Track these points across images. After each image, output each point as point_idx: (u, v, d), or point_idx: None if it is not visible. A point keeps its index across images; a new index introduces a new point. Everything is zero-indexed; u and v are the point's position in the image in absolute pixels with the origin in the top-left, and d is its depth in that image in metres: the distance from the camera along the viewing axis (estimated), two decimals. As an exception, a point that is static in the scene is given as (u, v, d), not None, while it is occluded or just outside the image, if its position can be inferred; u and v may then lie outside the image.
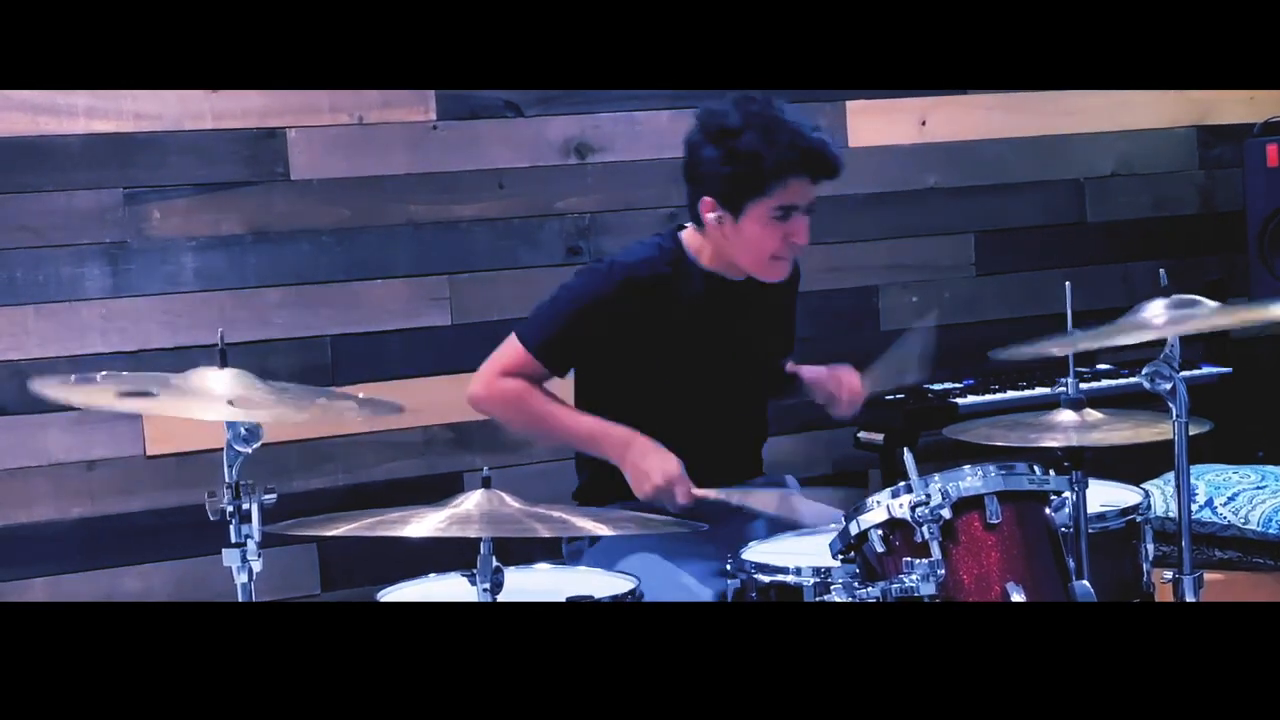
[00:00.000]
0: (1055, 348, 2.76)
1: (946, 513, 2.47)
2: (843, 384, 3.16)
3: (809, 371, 3.22)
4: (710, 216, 2.97)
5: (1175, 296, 2.55)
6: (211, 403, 2.37)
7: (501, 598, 2.27)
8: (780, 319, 3.23)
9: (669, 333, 3.01)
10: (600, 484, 3.06)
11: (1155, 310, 2.61)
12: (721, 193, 2.94)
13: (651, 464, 2.90)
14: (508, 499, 2.32)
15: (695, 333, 3.03)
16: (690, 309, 3.02)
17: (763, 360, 3.18)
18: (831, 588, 2.54)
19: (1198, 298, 2.60)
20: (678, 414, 3.01)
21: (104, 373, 2.48)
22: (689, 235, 3.05)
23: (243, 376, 2.43)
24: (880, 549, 2.51)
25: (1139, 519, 2.92)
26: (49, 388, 2.39)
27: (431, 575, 2.70)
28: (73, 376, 2.48)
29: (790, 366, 3.27)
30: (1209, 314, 2.59)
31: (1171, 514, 3.37)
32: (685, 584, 2.86)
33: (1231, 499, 3.58)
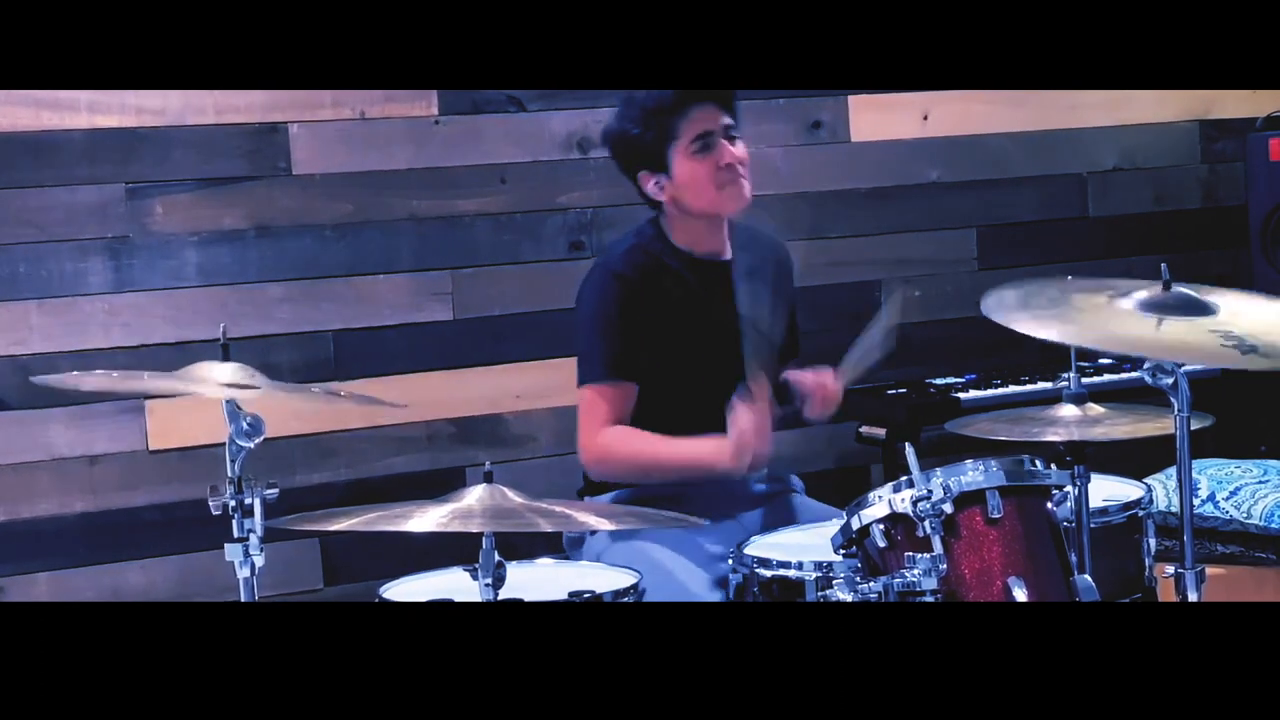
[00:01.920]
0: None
1: (948, 507, 2.47)
2: (818, 384, 3.13)
3: (793, 374, 3.22)
4: (651, 187, 3.07)
5: (1175, 291, 2.54)
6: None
7: (503, 593, 2.27)
8: (770, 301, 3.22)
9: (665, 313, 3.03)
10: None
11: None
12: (646, 158, 3.04)
13: (742, 444, 2.85)
14: (510, 493, 2.33)
15: (685, 311, 3.05)
16: (676, 287, 3.05)
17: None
18: (833, 582, 2.54)
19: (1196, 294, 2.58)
20: (676, 402, 3.01)
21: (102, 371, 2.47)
22: (664, 220, 3.12)
23: (243, 369, 2.44)
24: (882, 544, 2.51)
25: (1141, 514, 2.92)
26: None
27: (434, 570, 2.71)
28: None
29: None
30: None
31: (1173, 509, 3.36)
32: (684, 572, 2.86)
33: (1234, 493, 3.58)
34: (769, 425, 2.86)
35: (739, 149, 3.06)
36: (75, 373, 2.54)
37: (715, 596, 2.84)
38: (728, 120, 3.05)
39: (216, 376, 2.44)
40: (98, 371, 2.56)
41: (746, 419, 2.84)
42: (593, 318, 3.03)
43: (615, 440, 2.98)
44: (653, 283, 3.04)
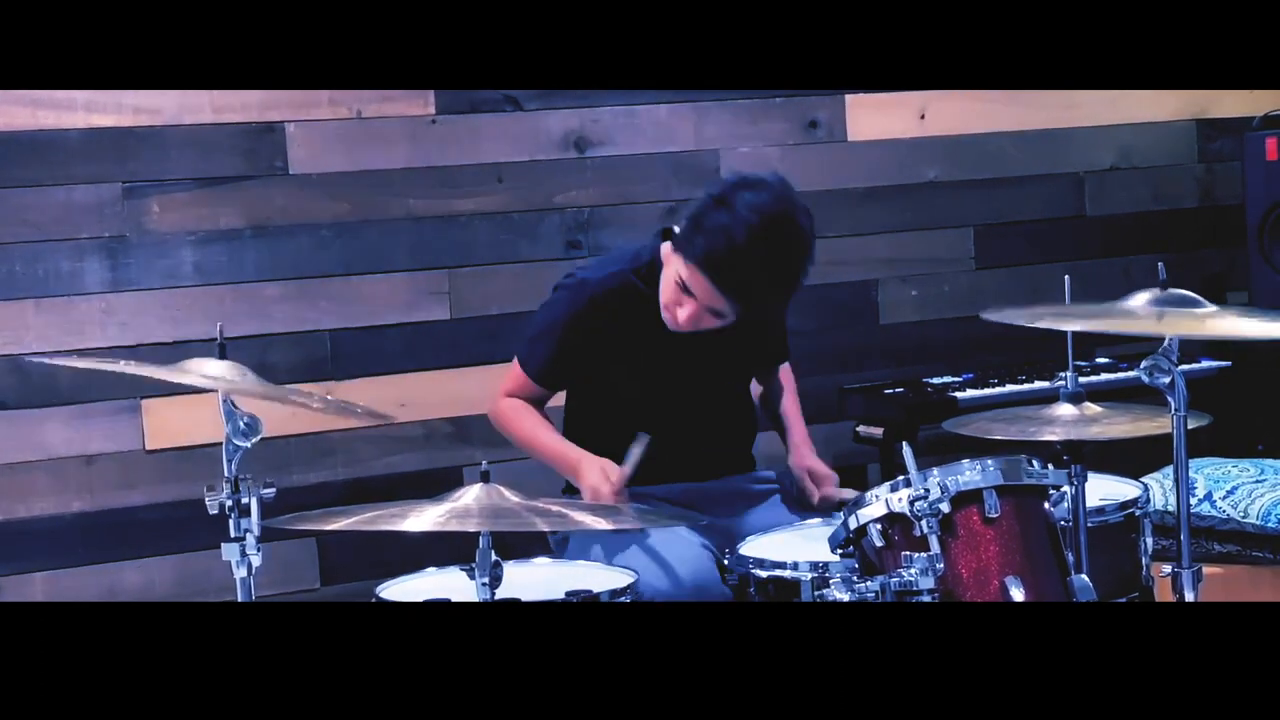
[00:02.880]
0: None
1: (945, 507, 2.47)
2: (814, 487, 3.15)
3: (799, 456, 3.23)
4: (666, 246, 3.04)
5: (1170, 291, 2.55)
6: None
7: (500, 592, 2.27)
8: (758, 330, 3.21)
9: (642, 342, 3.05)
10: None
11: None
12: (682, 224, 2.98)
13: (584, 484, 3.00)
14: (506, 493, 2.33)
15: (667, 341, 3.05)
16: (645, 320, 3.05)
17: (736, 353, 3.17)
18: (830, 582, 2.54)
19: (1190, 294, 2.59)
20: (656, 419, 3.02)
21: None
22: (667, 247, 3.05)
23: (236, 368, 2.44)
24: (879, 543, 2.51)
25: (1138, 513, 2.92)
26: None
27: (430, 569, 2.71)
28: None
29: (792, 440, 3.29)
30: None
31: (1170, 508, 3.36)
32: (679, 573, 2.86)
33: (1231, 492, 3.58)
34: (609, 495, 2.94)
35: (705, 321, 2.96)
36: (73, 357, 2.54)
37: (711, 596, 2.84)
38: (716, 305, 2.93)
39: (210, 371, 2.44)
40: (91, 359, 2.55)
41: (597, 487, 2.95)
42: (550, 319, 3.14)
43: (508, 407, 3.20)
44: (624, 310, 3.06)
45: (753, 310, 2.98)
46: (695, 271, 2.91)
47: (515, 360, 3.19)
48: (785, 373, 3.37)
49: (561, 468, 3.12)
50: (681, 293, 2.96)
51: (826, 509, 3.09)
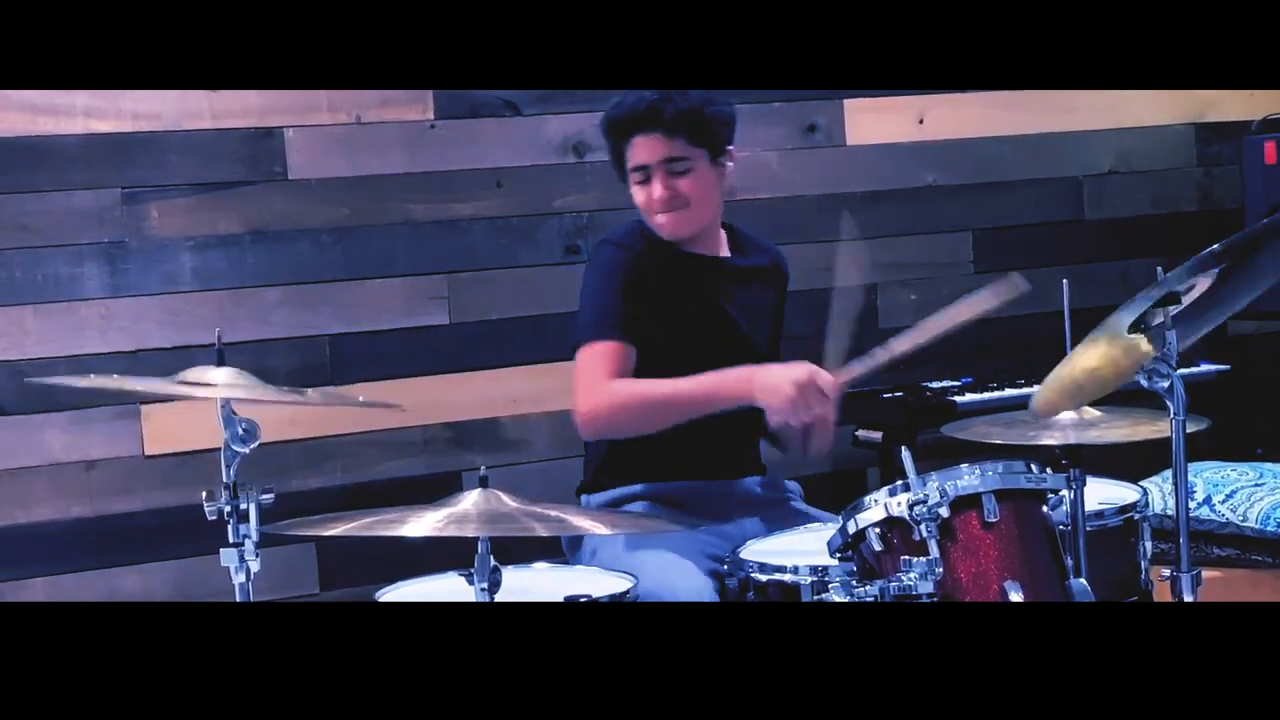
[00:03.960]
0: None
1: (944, 511, 2.46)
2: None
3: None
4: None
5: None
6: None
7: (499, 597, 2.27)
8: (765, 308, 3.23)
9: (663, 289, 3.03)
10: (611, 466, 3.09)
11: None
12: (616, 169, 3.09)
13: (779, 379, 2.82)
14: (505, 498, 2.32)
15: (678, 293, 3.05)
16: (665, 283, 3.04)
17: (745, 343, 3.15)
18: (829, 586, 2.54)
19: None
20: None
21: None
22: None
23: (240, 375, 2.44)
24: (878, 547, 2.51)
25: (1137, 517, 2.92)
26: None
27: (430, 575, 2.71)
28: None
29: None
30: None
31: (1169, 511, 3.37)
32: (680, 575, 2.86)
33: (1230, 496, 3.58)
34: (824, 395, 2.81)
35: (681, 182, 3.00)
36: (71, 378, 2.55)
37: (711, 599, 2.84)
38: (673, 153, 2.99)
39: (212, 380, 2.44)
40: (91, 376, 2.56)
41: (804, 372, 2.82)
42: (597, 284, 3.02)
43: (621, 386, 2.92)
44: (654, 258, 3.05)
45: (701, 131, 2.99)
46: (631, 145, 3.00)
47: (584, 350, 2.96)
48: None
49: (727, 394, 2.88)
50: (643, 184, 3.01)
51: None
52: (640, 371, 2.97)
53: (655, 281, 3.03)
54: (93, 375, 2.62)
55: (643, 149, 3.01)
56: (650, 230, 3.09)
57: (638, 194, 3.05)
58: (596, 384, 2.93)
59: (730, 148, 3.09)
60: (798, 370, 2.85)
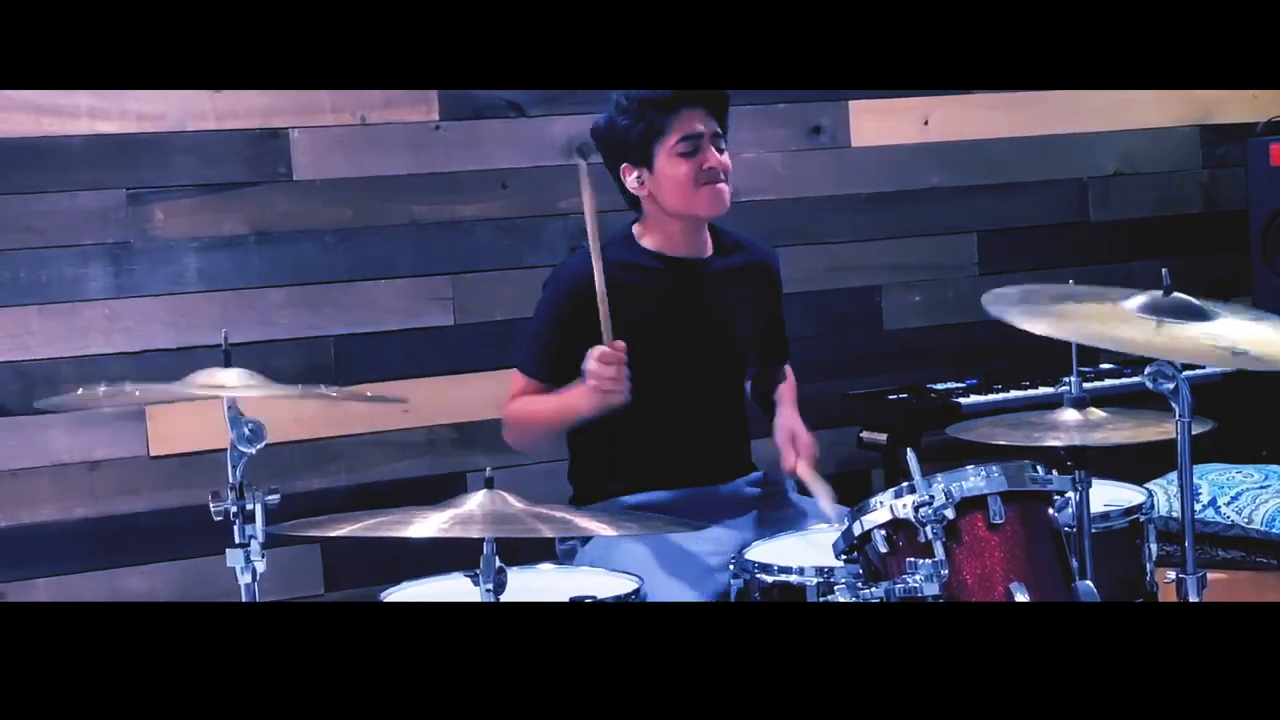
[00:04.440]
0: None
1: (950, 513, 2.46)
2: (794, 450, 3.15)
3: (784, 416, 3.23)
4: (631, 180, 3.11)
5: (1174, 297, 2.54)
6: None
7: (504, 598, 2.27)
8: (749, 307, 3.23)
9: (630, 322, 3.02)
10: (590, 474, 3.14)
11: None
12: (632, 151, 3.09)
13: (589, 380, 2.93)
14: (510, 499, 2.32)
15: (653, 317, 3.07)
16: (644, 295, 3.07)
17: (728, 344, 3.17)
18: (835, 588, 2.54)
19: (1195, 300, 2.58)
20: (651, 404, 3.01)
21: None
22: (637, 227, 3.18)
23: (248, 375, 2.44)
24: (883, 549, 2.51)
25: (1142, 519, 2.92)
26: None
27: (435, 576, 2.71)
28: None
29: (781, 402, 3.28)
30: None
31: (1175, 513, 3.36)
32: (681, 576, 2.86)
33: (1235, 498, 3.58)
34: (620, 373, 2.90)
35: (724, 157, 3.10)
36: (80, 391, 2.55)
37: (714, 601, 2.84)
38: (717, 128, 3.09)
39: (222, 382, 2.44)
40: (102, 389, 2.56)
41: (593, 364, 2.90)
42: (537, 317, 3.16)
43: (512, 408, 3.14)
44: (616, 286, 3.03)
45: (725, 113, 3.10)
46: (677, 119, 3.04)
47: (514, 370, 3.18)
48: (787, 372, 3.37)
49: (571, 413, 3.04)
50: (690, 156, 3.05)
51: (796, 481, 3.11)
52: (633, 370, 3.00)
53: (630, 286, 3.05)
54: (103, 388, 2.62)
55: (694, 120, 3.05)
56: (618, 253, 3.09)
57: (681, 167, 3.06)
58: (506, 403, 3.16)
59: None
60: (592, 365, 2.92)
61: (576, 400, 2.99)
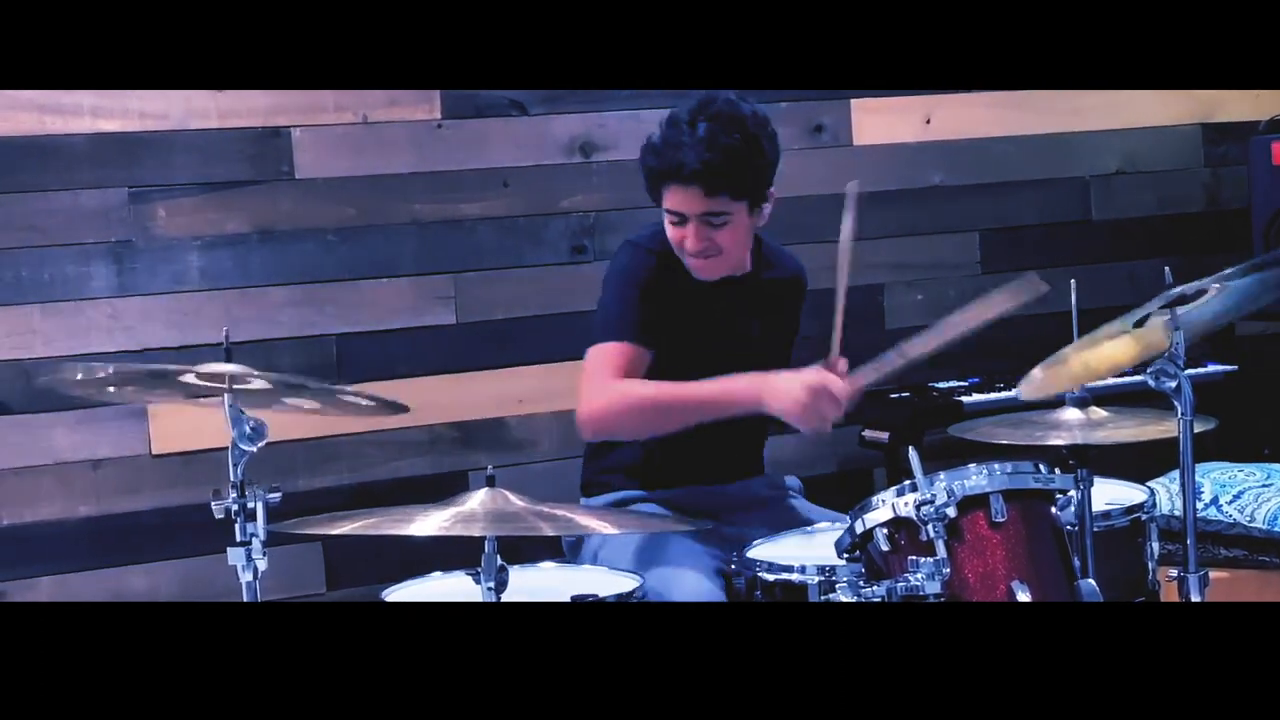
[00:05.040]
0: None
1: (952, 511, 2.47)
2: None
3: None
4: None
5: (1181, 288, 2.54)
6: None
7: (506, 596, 2.27)
8: (779, 317, 3.22)
9: (681, 297, 3.01)
10: (611, 470, 3.09)
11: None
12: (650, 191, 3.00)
13: (790, 386, 2.80)
14: (512, 497, 2.33)
15: (695, 305, 3.03)
16: (679, 301, 3.02)
17: (757, 352, 3.16)
18: (836, 586, 2.54)
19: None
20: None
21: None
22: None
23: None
24: (885, 547, 2.51)
25: (1144, 517, 2.92)
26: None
27: (436, 574, 2.71)
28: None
29: None
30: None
31: (1177, 512, 3.36)
32: (684, 574, 2.86)
33: (1237, 497, 3.58)
34: (836, 401, 2.78)
35: (714, 236, 2.93)
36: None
37: (717, 599, 2.84)
38: (713, 208, 2.90)
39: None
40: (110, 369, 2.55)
41: (816, 377, 2.80)
42: (619, 284, 2.98)
43: (626, 387, 2.88)
44: (676, 264, 3.01)
45: (743, 187, 2.89)
46: (668, 189, 2.90)
47: (597, 347, 2.93)
48: None
49: (735, 400, 2.86)
50: (678, 226, 2.93)
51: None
52: (653, 378, 2.94)
53: (674, 287, 3.00)
54: (111, 368, 2.59)
55: (680, 199, 2.91)
56: (666, 242, 3.04)
57: (671, 231, 2.97)
58: (602, 383, 2.89)
59: (770, 189, 3.01)
60: (809, 376, 2.83)
61: (750, 394, 2.82)
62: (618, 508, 3.05)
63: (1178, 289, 2.51)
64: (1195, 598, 2.58)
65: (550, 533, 2.33)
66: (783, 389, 2.81)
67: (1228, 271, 2.52)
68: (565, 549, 3.12)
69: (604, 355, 2.91)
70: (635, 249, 3.03)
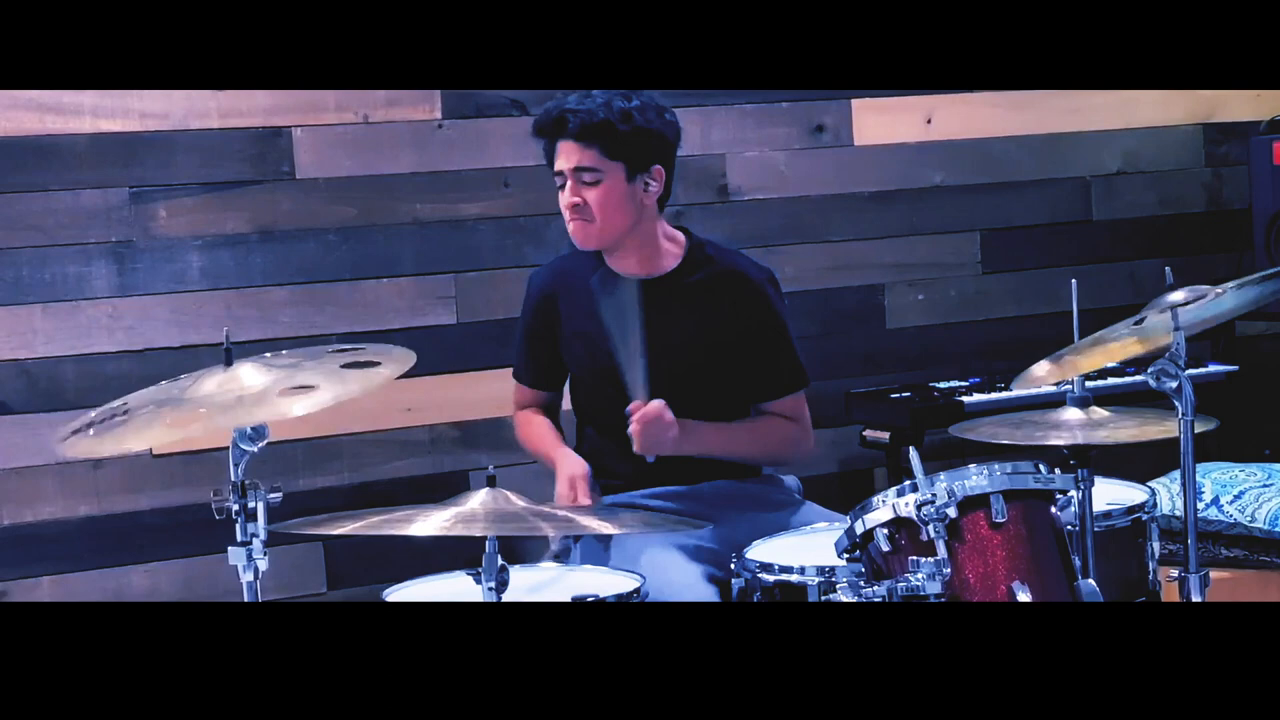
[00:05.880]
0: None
1: (952, 511, 2.46)
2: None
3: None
4: None
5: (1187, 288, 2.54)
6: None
7: (507, 596, 2.27)
8: (717, 315, 3.11)
9: (583, 330, 3.09)
10: (594, 465, 3.11)
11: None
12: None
13: (559, 476, 3.05)
14: (512, 497, 2.32)
15: (599, 327, 3.06)
16: (590, 304, 3.09)
17: (692, 350, 3.10)
18: (836, 587, 2.54)
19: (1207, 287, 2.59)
20: (607, 412, 3.05)
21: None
22: None
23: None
24: (886, 548, 2.51)
25: (1145, 517, 2.92)
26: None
27: (437, 574, 2.71)
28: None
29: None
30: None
31: (1177, 512, 3.36)
32: (683, 576, 2.86)
33: (1238, 497, 3.58)
34: (575, 490, 2.98)
35: (585, 194, 3.01)
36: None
37: (714, 599, 2.84)
38: (584, 162, 3.00)
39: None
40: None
41: (567, 472, 3.02)
42: (518, 323, 3.27)
43: (518, 422, 3.30)
44: (564, 296, 3.15)
45: (617, 146, 3.00)
46: (555, 149, 3.03)
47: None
48: (785, 409, 3.20)
49: (550, 465, 3.16)
50: (560, 187, 3.05)
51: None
52: (577, 384, 3.21)
53: (565, 316, 3.14)
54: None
55: (561, 154, 3.04)
56: (577, 259, 3.14)
57: (560, 198, 3.08)
58: (515, 411, 3.32)
59: (656, 166, 3.05)
60: (565, 472, 3.04)
61: (551, 465, 3.12)
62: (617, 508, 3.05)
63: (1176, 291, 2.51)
64: (1196, 598, 2.58)
65: (551, 533, 2.33)
66: (559, 477, 3.05)
67: (1247, 279, 2.52)
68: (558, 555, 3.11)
69: (514, 389, 3.32)
70: (532, 276, 3.25)
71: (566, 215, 3.06)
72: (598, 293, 3.09)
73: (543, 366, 3.24)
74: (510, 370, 3.28)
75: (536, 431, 3.25)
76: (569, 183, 3.03)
